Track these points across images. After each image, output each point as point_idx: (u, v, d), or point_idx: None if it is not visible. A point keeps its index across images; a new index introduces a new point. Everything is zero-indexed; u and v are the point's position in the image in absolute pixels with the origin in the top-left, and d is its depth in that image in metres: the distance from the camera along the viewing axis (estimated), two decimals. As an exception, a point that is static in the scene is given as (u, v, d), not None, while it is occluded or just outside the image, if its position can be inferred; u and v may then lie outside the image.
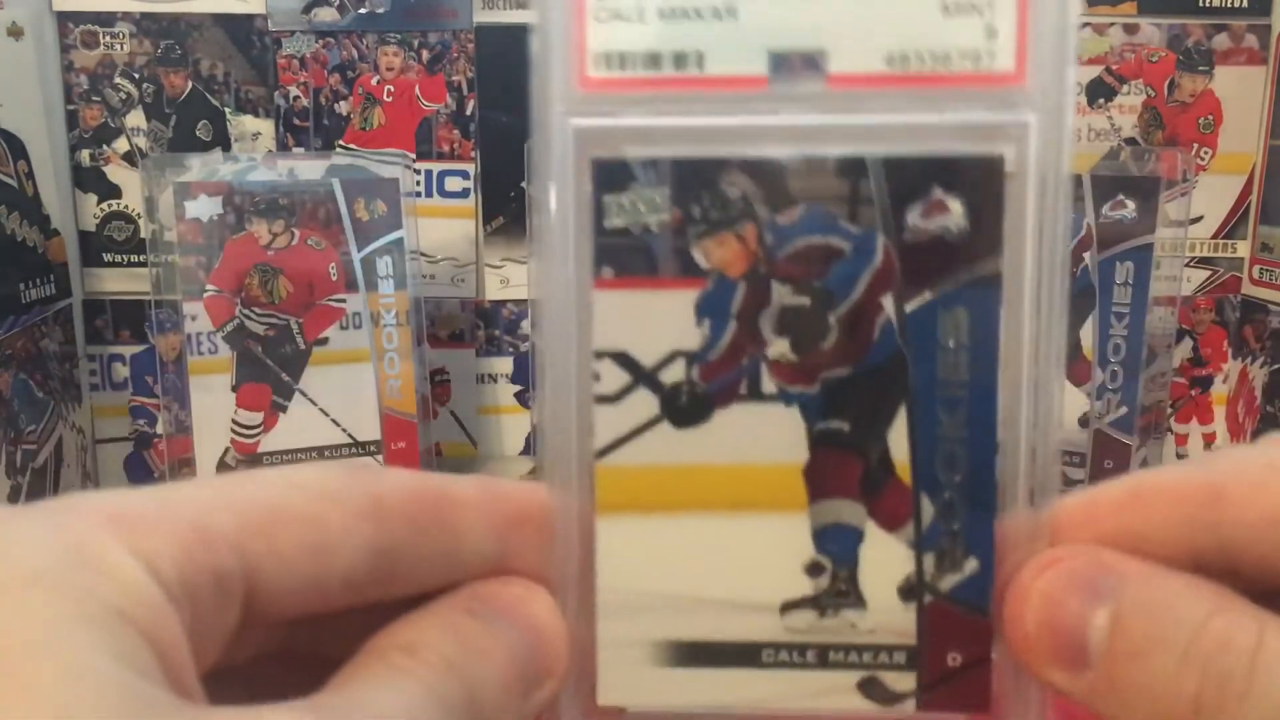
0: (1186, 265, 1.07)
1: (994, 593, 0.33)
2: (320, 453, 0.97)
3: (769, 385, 0.34)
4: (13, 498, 0.92)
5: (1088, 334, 0.96)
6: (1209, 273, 1.09)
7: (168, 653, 0.26)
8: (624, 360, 0.34)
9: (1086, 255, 0.94)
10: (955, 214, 0.33)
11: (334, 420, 0.97)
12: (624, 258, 0.33)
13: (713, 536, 0.34)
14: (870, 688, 0.35)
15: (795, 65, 0.33)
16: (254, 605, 0.29)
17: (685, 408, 0.34)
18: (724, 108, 0.33)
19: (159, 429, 1.07)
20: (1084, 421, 0.97)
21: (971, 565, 0.34)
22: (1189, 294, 1.09)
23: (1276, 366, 1.04)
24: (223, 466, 0.95)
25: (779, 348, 0.34)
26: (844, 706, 0.35)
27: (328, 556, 0.30)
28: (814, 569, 0.34)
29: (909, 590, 0.34)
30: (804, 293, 0.34)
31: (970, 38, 0.32)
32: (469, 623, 0.32)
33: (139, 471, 1.13)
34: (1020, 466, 0.33)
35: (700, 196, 0.33)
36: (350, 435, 0.97)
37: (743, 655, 0.35)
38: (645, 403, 0.34)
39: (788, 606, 0.34)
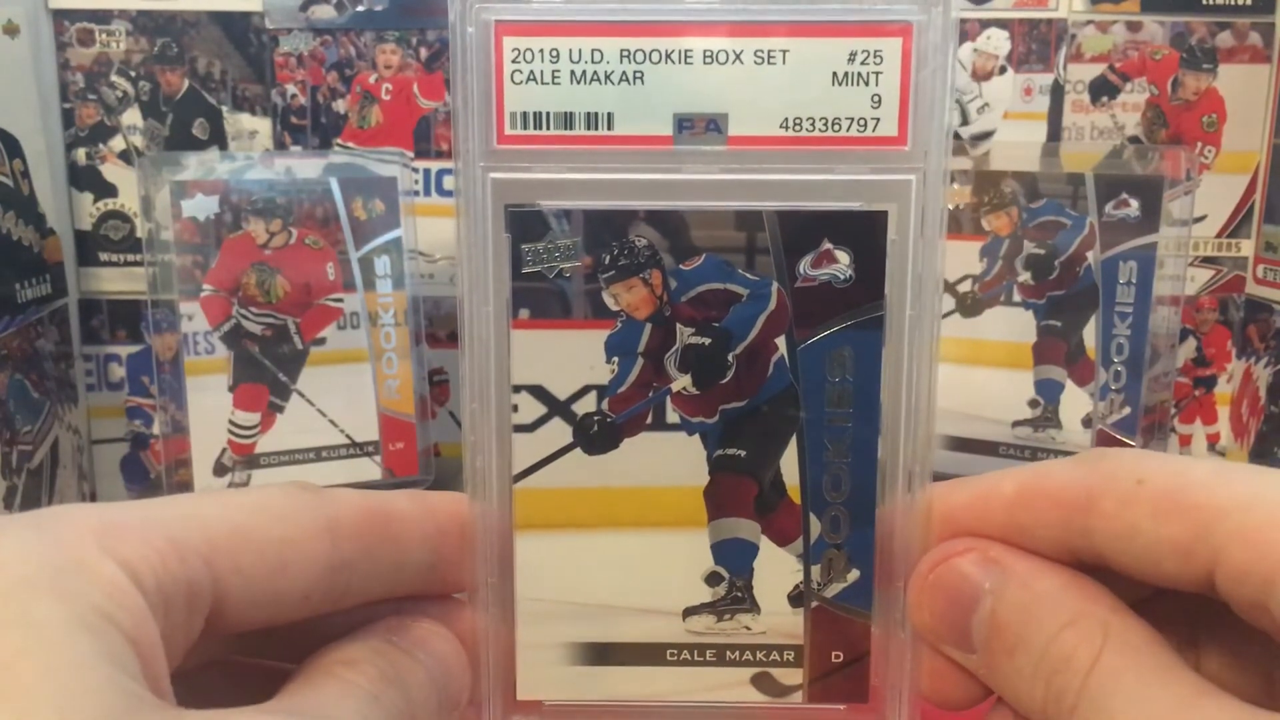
0: (1190, 265, 1.08)
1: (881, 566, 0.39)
2: (318, 454, 0.99)
3: (673, 416, 0.39)
4: (8, 499, 0.93)
5: (1091, 334, 0.97)
6: (1213, 272, 1.11)
7: (147, 656, 0.30)
8: (540, 393, 0.39)
9: (1089, 255, 0.96)
10: (843, 263, 0.38)
11: (332, 421, 0.99)
12: (539, 300, 0.38)
13: (621, 550, 0.40)
14: (762, 682, 0.40)
15: (698, 127, 0.38)
16: (217, 617, 0.33)
17: (596, 436, 0.39)
18: (632, 164, 0.38)
19: (155, 430, 1.09)
20: (1087, 422, 0.98)
21: (854, 574, 0.39)
22: (1193, 293, 1.10)
23: (1280, 366, 1.06)
24: (219, 468, 0.96)
25: (682, 382, 0.39)
26: (739, 699, 0.40)
27: (287, 575, 0.35)
28: (713, 578, 0.40)
29: (798, 597, 0.40)
30: (705, 333, 0.39)
31: (858, 105, 0.37)
32: (391, 648, 0.37)
33: (135, 472, 1.13)
34: (900, 466, 0.39)
35: (610, 245, 0.38)
36: (348, 436, 0.99)
37: (648, 654, 0.40)
38: (559, 431, 0.39)
39: (689, 611, 0.40)
